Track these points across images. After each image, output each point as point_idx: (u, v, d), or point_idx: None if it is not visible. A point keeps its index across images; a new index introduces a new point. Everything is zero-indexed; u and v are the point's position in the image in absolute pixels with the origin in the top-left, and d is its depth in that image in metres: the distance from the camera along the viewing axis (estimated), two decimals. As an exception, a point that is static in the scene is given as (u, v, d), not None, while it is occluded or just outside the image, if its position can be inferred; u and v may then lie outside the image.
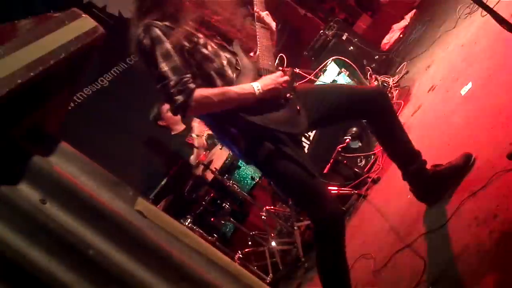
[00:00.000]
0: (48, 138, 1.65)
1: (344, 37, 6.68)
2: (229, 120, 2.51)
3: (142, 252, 1.51)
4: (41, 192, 1.49)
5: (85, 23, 1.66)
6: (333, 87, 2.88)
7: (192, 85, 2.39)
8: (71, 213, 1.49)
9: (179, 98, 2.36)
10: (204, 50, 2.50)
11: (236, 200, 4.86)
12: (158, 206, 4.74)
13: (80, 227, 1.47)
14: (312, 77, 5.52)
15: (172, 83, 2.36)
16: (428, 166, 2.92)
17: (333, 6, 9.59)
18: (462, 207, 2.70)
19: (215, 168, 4.73)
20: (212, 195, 4.83)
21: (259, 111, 2.49)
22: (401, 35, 7.59)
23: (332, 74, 5.35)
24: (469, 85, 3.77)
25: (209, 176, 4.85)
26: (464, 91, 3.79)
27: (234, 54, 2.64)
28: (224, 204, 4.82)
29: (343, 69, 5.37)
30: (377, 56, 6.76)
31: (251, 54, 2.78)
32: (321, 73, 5.54)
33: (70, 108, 5.69)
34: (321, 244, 2.61)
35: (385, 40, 7.86)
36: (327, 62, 5.62)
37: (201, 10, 2.60)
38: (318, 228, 2.60)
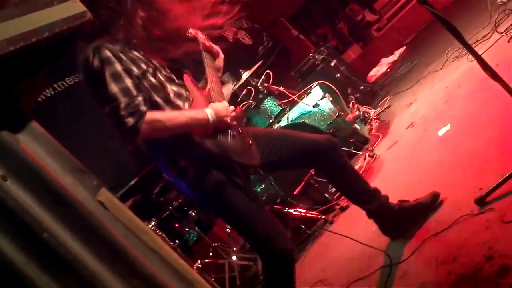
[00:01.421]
0: (20, 115, 1.62)
1: (332, 64, 6.74)
2: (180, 149, 2.40)
3: (97, 243, 1.48)
4: (3, 168, 1.45)
5: (73, 7, 1.63)
6: (284, 136, 2.82)
7: (143, 108, 2.26)
8: (31, 193, 1.45)
9: (130, 120, 2.22)
10: (152, 79, 2.41)
11: (203, 210, 4.82)
12: (124, 204, 4.68)
13: (38, 208, 1.44)
14: (296, 98, 5.54)
15: (122, 105, 2.23)
16: (396, 201, 2.96)
17: (326, 32, 9.70)
18: (424, 245, 2.73)
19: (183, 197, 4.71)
20: (180, 201, 4.80)
21: (213, 139, 2.41)
22: (388, 70, 7.68)
23: (316, 97, 5.38)
24: (448, 127, 3.82)
25: (180, 181, 4.81)
26: (442, 132, 3.84)
27: (183, 87, 2.57)
28: (190, 212, 4.78)
29: (327, 94, 5.40)
30: (362, 87, 6.83)
31: (201, 87, 2.74)
32: (305, 95, 5.56)
33: (50, 94, 5.63)
34: (270, 277, 2.59)
35: (372, 72, 7.95)
36: (312, 85, 5.65)
37: (151, 39, 2.54)
38: (266, 263, 2.58)
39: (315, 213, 4.40)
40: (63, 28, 1.57)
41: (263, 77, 5.66)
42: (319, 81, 5.66)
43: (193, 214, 4.78)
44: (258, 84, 5.50)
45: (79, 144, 5.32)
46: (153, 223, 4.56)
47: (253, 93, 5.48)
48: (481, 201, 2.51)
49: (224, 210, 2.55)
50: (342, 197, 4.43)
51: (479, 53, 2.36)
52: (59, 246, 1.43)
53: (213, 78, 2.70)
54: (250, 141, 2.60)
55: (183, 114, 2.37)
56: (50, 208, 1.47)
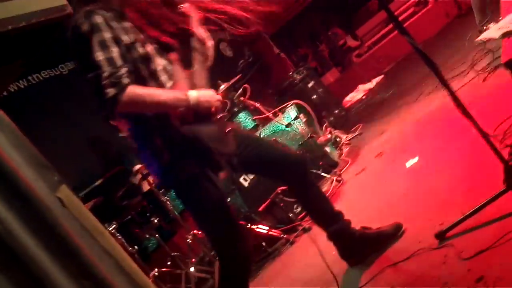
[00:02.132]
0: (-14, 103, 1.58)
1: (310, 85, 6.78)
2: (157, 128, 2.39)
3: (51, 239, 1.44)
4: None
5: (55, -1, 1.61)
6: (261, 141, 2.87)
7: (126, 80, 2.24)
8: (-12, 182, 1.41)
9: (111, 91, 2.19)
10: (141, 49, 2.40)
11: (166, 217, 4.77)
12: (85, 205, 4.61)
13: (-6, 198, 1.40)
14: (270, 115, 5.55)
15: (105, 74, 2.20)
16: (358, 227, 2.97)
17: (307, 53, 9.77)
18: (381, 274, 2.74)
19: (153, 180, 4.65)
20: (143, 206, 4.74)
21: (191, 122, 2.40)
22: (364, 97, 7.75)
23: (290, 117, 5.40)
24: (416, 159, 3.87)
25: (145, 187, 4.77)
26: (409, 164, 3.88)
27: (170, 63, 2.56)
28: (152, 218, 4.71)
29: (301, 115, 5.43)
30: (336, 111, 6.88)
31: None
32: (280, 113, 5.58)
33: (23, 86, 5.54)
34: (224, 279, 2.59)
35: (348, 98, 8.02)
36: (288, 104, 5.67)
37: (146, 13, 2.56)
38: (223, 263, 2.58)
39: (278, 232, 4.39)
40: (41, 19, 1.54)
41: (240, 91, 5.66)
42: (295, 101, 5.68)
43: (155, 221, 4.72)
44: (235, 97, 5.50)
45: (45, 139, 5.26)
46: (113, 226, 4.49)
47: (228, 105, 5.47)
48: (441, 236, 2.54)
49: (191, 202, 2.54)
50: (306, 219, 4.44)
51: (454, 89, 2.40)
52: (12, 240, 1.39)
53: (200, 63, 2.69)
54: (229, 128, 2.60)
55: (165, 93, 2.36)
56: (6, 199, 1.43)
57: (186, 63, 2.72)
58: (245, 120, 5.38)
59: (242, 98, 5.53)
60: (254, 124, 5.41)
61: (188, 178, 2.43)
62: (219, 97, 2.55)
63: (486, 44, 4.64)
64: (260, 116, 5.60)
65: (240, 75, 6.24)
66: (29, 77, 5.68)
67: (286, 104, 5.74)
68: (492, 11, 4.88)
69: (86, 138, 5.78)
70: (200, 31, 2.75)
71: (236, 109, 5.43)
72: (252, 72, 8.63)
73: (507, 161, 2.32)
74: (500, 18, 2.35)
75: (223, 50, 8.39)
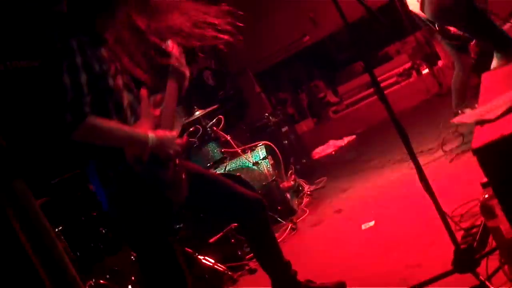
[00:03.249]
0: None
1: (283, 129, 6.84)
2: (111, 160, 2.35)
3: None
4: None
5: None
6: (218, 182, 2.83)
7: (87, 109, 2.20)
8: None
9: (68, 117, 2.16)
10: (110, 81, 2.37)
11: (116, 230, 4.69)
12: (37, 200, 4.51)
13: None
14: (239, 151, 5.57)
15: (67, 99, 2.18)
16: (303, 279, 2.98)
17: (287, 98, 9.87)
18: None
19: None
20: (95, 214, 4.66)
21: (146, 164, 2.35)
22: (333, 152, 7.85)
23: (258, 156, 5.43)
24: (372, 223, 3.92)
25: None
26: (365, 226, 3.94)
27: (138, 100, 2.52)
28: (101, 229, 4.64)
29: (269, 157, 5.46)
30: (304, 160, 6.94)
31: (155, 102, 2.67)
32: (249, 151, 5.60)
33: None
34: None
35: (317, 150, 8.10)
36: (258, 144, 5.69)
37: (124, 44, 2.52)
38: None
39: (223, 267, 4.35)
40: None
41: (214, 120, 5.68)
42: (266, 142, 5.71)
43: (103, 231, 4.64)
44: (208, 126, 5.51)
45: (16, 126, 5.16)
46: (60, 228, 4.40)
47: (199, 132, 5.47)
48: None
49: (131, 236, 2.52)
50: (254, 260, 4.42)
51: (421, 163, 2.46)
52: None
53: (170, 101, 2.64)
54: (183, 176, 2.56)
55: (123, 130, 2.33)
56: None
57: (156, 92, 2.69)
58: (213, 150, 5.39)
59: (214, 128, 5.55)
60: (221, 156, 5.41)
61: (131, 214, 2.40)
62: (180, 141, 2.52)
63: (459, 127, 4.77)
64: (229, 150, 5.61)
65: (218, 105, 6.28)
66: (8, 63, 5.59)
67: (257, 143, 5.77)
68: (470, 96, 5.03)
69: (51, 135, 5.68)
70: (180, 61, 2.73)
71: (206, 138, 5.43)
72: (230, 105, 8.67)
73: (459, 244, 2.37)
74: (476, 105, 2.42)
75: (206, 78, 8.43)
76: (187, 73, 2.78)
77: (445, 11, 4.03)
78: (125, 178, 2.35)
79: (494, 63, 4.14)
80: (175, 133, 2.54)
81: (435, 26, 4.84)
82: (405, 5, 5.02)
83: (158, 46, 2.70)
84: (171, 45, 2.74)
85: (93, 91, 2.27)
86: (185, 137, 2.63)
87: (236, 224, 4.41)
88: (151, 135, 2.36)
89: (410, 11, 4.97)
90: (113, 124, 2.32)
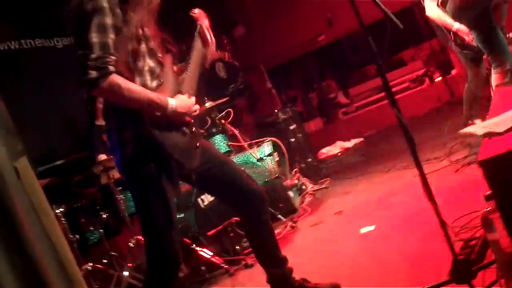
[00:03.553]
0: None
1: (291, 127, 6.82)
2: (129, 122, 2.44)
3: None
4: None
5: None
6: (229, 165, 2.89)
7: (112, 68, 2.29)
8: None
9: (93, 73, 2.24)
10: (135, 44, 2.44)
11: (115, 215, 4.71)
12: (40, 181, 4.53)
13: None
14: (246, 145, 5.57)
15: (93, 56, 2.25)
16: (298, 277, 2.97)
17: (297, 96, 9.87)
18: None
19: (113, 175, 4.60)
20: (96, 198, 4.68)
21: (163, 128, 2.45)
22: (339, 153, 7.82)
23: (264, 152, 5.42)
24: (372, 227, 3.91)
25: (104, 179, 4.71)
26: (364, 230, 3.92)
27: (161, 64, 2.59)
28: (102, 213, 4.65)
29: (275, 153, 5.45)
30: (310, 159, 6.92)
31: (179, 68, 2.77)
32: (255, 146, 5.60)
33: (14, 48, 5.48)
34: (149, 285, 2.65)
35: (323, 150, 8.08)
36: (265, 140, 5.69)
37: (151, 13, 2.57)
38: (151, 269, 2.61)
39: (220, 260, 4.36)
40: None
41: (223, 113, 5.68)
42: (273, 139, 5.71)
43: (104, 216, 4.66)
44: (216, 118, 5.51)
45: (21, 106, 5.20)
46: (61, 209, 4.41)
47: (208, 124, 5.47)
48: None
49: (139, 200, 2.58)
50: (251, 255, 4.42)
51: (426, 171, 2.44)
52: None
53: (194, 67, 2.73)
54: (198, 144, 2.65)
55: (145, 93, 2.39)
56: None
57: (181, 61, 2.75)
58: (220, 142, 5.38)
59: (223, 121, 5.55)
60: (227, 149, 5.40)
61: (143, 179, 2.49)
62: (197, 107, 2.61)
63: (467, 138, 4.74)
64: (235, 143, 5.61)
65: (228, 98, 6.27)
66: (22, 41, 5.62)
67: (263, 139, 5.77)
68: (481, 108, 5.02)
69: (61, 116, 5.73)
70: (207, 31, 2.81)
71: (214, 130, 5.43)
72: (240, 99, 8.67)
73: (457, 255, 2.36)
74: (487, 117, 2.41)
75: (218, 70, 8.43)
76: (213, 42, 2.85)
77: (466, 7, 4.06)
78: (142, 141, 2.43)
79: (493, 77, 4.16)
80: (193, 99, 2.62)
81: (450, 34, 4.83)
82: (423, 11, 5.02)
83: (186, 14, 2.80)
84: (198, 13, 2.82)
85: (118, 51, 2.35)
86: (202, 106, 2.67)
87: (236, 217, 4.43)
88: (171, 100, 2.46)
89: (427, 17, 4.96)
90: (135, 86, 2.39)
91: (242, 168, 4.85)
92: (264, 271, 2.97)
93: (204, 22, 2.84)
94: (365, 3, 2.47)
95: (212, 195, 3.19)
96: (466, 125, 5.00)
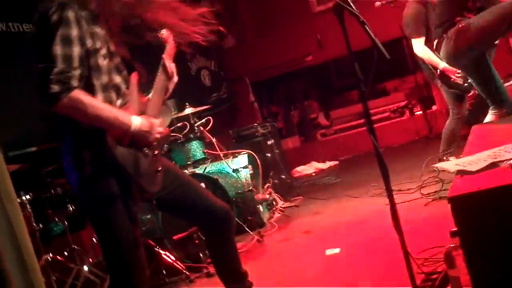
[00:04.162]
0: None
1: (269, 142, 6.84)
2: (89, 140, 2.33)
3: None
4: None
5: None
6: (191, 185, 2.82)
7: (75, 83, 2.20)
8: None
9: (55, 88, 2.14)
10: (101, 60, 2.37)
11: (83, 210, 4.65)
12: (9, 166, 4.47)
13: None
14: (221, 155, 5.57)
15: (56, 70, 2.15)
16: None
17: (278, 112, 9.91)
18: None
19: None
20: (64, 190, 4.63)
21: (125, 148, 2.35)
22: (313, 174, 7.87)
23: (239, 164, 5.43)
24: (337, 250, 3.92)
25: (75, 172, 4.66)
26: (329, 252, 3.94)
27: (126, 82, 2.52)
28: (69, 206, 4.60)
29: (250, 166, 5.46)
30: (283, 176, 6.94)
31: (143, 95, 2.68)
32: (231, 157, 5.60)
33: (1, 30, 5.41)
34: None
35: (298, 169, 8.12)
36: (241, 152, 5.70)
37: (121, 21, 2.52)
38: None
39: (182, 265, 4.33)
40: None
41: (203, 120, 5.67)
42: (250, 151, 5.71)
43: (70, 208, 4.60)
44: (196, 125, 5.50)
45: (2, 88, 5.14)
46: (28, 197, 4.36)
47: (186, 129, 5.46)
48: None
49: (99, 222, 2.45)
50: (214, 264, 4.41)
51: (396, 202, 2.47)
52: None
53: (158, 92, 2.66)
54: (159, 168, 2.56)
55: (108, 109, 2.29)
56: None
57: (145, 86, 2.69)
58: (196, 149, 5.37)
59: (201, 128, 5.54)
60: (203, 156, 5.39)
61: (103, 197, 2.37)
62: (161, 130, 2.52)
63: (440, 173, 4.81)
64: (211, 152, 5.60)
65: (210, 106, 6.27)
66: (10, 24, 5.56)
67: (240, 150, 5.77)
68: (457, 146, 5.11)
69: (40, 104, 5.66)
70: (171, 65, 2.75)
71: (192, 136, 5.41)
72: (221, 108, 8.68)
73: (417, 287, 2.38)
74: (461, 156, 2.45)
75: (203, 77, 8.44)
76: (174, 75, 2.78)
77: (460, 53, 4.10)
78: (102, 160, 2.32)
79: (488, 117, 4.20)
80: (158, 122, 2.52)
81: (436, 71, 4.92)
82: (411, 45, 5.11)
83: (154, 33, 2.71)
84: (166, 34, 2.75)
85: (82, 66, 2.26)
86: (167, 129, 2.63)
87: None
88: (135, 118, 2.36)
89: (414, 54, 5.05)
90: (98, 102, 2.30)
91: (215, 177, 4.89)
92: (223, 284, 2.96)
93: (171, 43, 2.77)
94: (355, 29, 2.50)
95: (175, 216, 3.12)
96: (440, 160, 5.09)
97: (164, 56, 2.74)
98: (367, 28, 2.45)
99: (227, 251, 2.91)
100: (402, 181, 5.39)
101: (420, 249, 3.21)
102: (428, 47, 4.89)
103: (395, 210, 2.43)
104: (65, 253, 4.67)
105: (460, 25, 3.96)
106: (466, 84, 5.00)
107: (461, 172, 2.03)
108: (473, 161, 2.12)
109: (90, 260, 4.66)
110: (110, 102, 2.38)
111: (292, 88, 10.02)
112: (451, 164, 2.24)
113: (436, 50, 4.30)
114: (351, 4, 2.43)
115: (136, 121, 2.35)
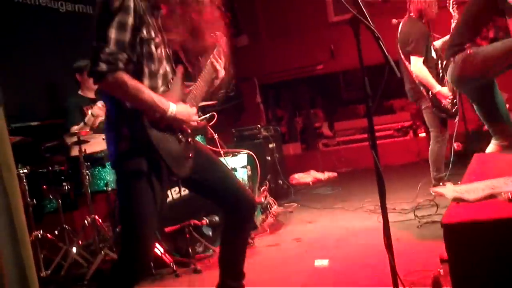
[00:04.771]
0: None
1: (270, 145, 6.84)
2: (129, 118, 2.48)
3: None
4: None
5: None
6: (223, 169, 2.95)
7: (121, 65, 2.36)
8: None
9: (103, 66, 2.32)
10: (153, 48, 2.53)
11: (78, 190, 4.65)
12: (11, 137, 4.47)
13: None
14: (222, 152, 5.56)
15: (107, 50, 2.33)
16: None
17: (283, 117, 9.90)
18: None
19: (85, 149, 4.56)
20: (63, 168, 4.63)
21: (160, 131, 2.51)
22: (311, 182, 7.87)
23: (238, 163, 5.42)
24: (326, 262, 3.92)
25: (74, 151, 4.67)
26: (318, 263, 3.93)
27: (174, 72, 2.70)
28: (64, 184, 4.59)
29: (248, 167, 5.45)
30: (280, 181, 6.94)
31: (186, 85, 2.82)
32: (231, 155, 5.60)
33: (16, 1, 5.42)
34: (111, 277, 2.61)
35: (296, 175, 8.12)
36: (242, 151, 5.69)
37: (176, 20, 2.68)
38: (120, 261, 2.61)
39: (170, 259, 4.33)
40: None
41: (207, 115, 5.66)
42: (250, 152, 5.71)
43: (66, 187, 4.59)
44: (199, 118, 5.49)
45: (7, 60, 5.15)
46: (25, 170, 4.36)
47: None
48: None
49: (124, 194, 2.60)
50: (202, 261, 4.41)
51: (390, 220, 2.47)
52: None
53: (200, 85, 2.82)
54: (191, 155, 2.69)
55: (147, 93, 2.44)
56: None
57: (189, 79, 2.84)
58: (197, 143, 5.36)
59: (205, 122, 5.53)
60: (203, 151, 5.38)
61: (133, 173, 2.51)
62: (196, 118, 2.69)
63: (436, 198, 4.81)
64: (212, 148, 5.59)
65: (216, 102, 6.26)
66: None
67: (240, 150, 5.77)
68: (445, 167, 5.25)
69: (45, 80, 5.68)
70: (219, 63, 2.91)
71: (194, 129, 5.40)
72: (227, 106, 8.68)
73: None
74: (459, 182, 2.45)
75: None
76: (222, 72, 2.95)
77: (464, 80, 4.11)
78: (138, 139, 2.47)
79: (490, 147, 4.20)
80: (194, 109, 2.69)
81: (429, 94, 4.99)
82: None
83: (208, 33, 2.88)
84: (220, 36, 2.93)
85: (133, 52, 2.43)
86: (204, 122, 2.74)
87: (195, 220, 4.42)
88: (173, 105, 2.51)
89: (410, 72, 5.07)
90: (140, 85, 2.44)
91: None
92: (219, 278, 2.96)
93: (222, 47, 2.95)
94: (369, 44, 2.51)
95: (202, 196, 3.20)
96: (436, 185, 5.12)
97: (213, 54, 2.89)
98: (381, 44, 2.46)
99: (240, 241, 2.98)
100: (397, 200, 5.40)
101: (409, 270, 3.20)
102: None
103: (388, 228, 2.43)
104: (56, 232, 4.68)
105: (468, 52, 3.97)
106: (453, 110, 5.10)
107: (458, 199, 2.04)
108: (471, 189, 2.12)
109: (80, 242, 4.66)
110: (155, 88, 2.53)
111: (300, 95, 10.01)
112: (449, 190, 2.24)
113: (444, 71, 4.31)
114: (368, 18, 2.43)
115: (173, 108, 2.50)
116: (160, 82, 2.58)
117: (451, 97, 5.05)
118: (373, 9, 5.36)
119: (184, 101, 2.66)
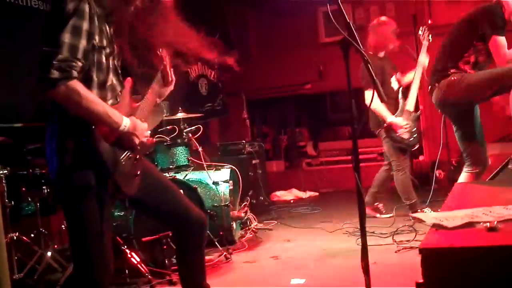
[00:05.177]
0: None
1: (254, 161, 6.85)
2: (77, 130, 2.33)
3: None
4: None
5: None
6: (169, 189, 2.82)
7: (75, 73, 2.23)
8: None
9: (55, 74, 2.17)
10: (103, 58, 2.42)
11: (57, 195, 4.60)
12: (-6, 137, 4.43)
13: None
14: (205, 165, 5.55)
15: (60, 56, 2.19)
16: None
17: (268, 134, 9.92)
18: None
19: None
20: (43, 171, 4.58)
21: (109, 147, 2.39)
22: (292, 201, 7.88)
23: (221, 177, 5.42)
24: (302, 281, 3.92)
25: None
26: (294, 281, 3.93)
27: (121, 85, 2.57)
28: (44, 187, 4.55)
29: (231, 182, 5.45)
30: (262, 198, 6.94)
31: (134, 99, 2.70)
32: (214, 169, 5.59)
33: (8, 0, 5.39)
34: None
35: (278, 193, 8.14)
36: (225, 166, 5.69)
37: (124, 32, 2.59)
38: (76, 281, 2.51)
39: (145, 269, 4.29)
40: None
41: (193, 127, 5.66)
42: (233, 167, 5.71)
43: (45, 191, 4.55)
44: (185, 130, 5.49)
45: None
46: (5, 171, 4.32)
47: (175, 133, 5.44)
48: None
49: (71, 211, 2.45)
50: (177, 273, 4.37)
51: (368, 243, 2.47)
52: None
53: (149, 100, 2.69)
54: (138, 172, 2.58)
55: (102, 105, 2.32)
56: None
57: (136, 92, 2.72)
58: (181, 155, 5.35)
59: (190, 135, 5.53)
60: (186, 163, 5.37)
61: (79, 188, 2.37)
62: (147, 135, 2.57)
63: (415, 223, 4.84)
64: (195, 160, 5.59)
65: (202, 115, 6.27)
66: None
67: (224, 164, 5.77)
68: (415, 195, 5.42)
69: (32, 81, 5.62)
70: (167, 72, 2.76)
71: (179, 141, 5.40)
72: (213, 119, 8.69)
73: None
74: (439, 210, 2.46)
75: (200, 86, 8.44)
76: (168, 90, 2.81)
77: (447, 104, 4.21)
78: (85, 152, 2.33)
79: (462, 176, 4.27)
80: (146, 126, 2.58)
81: (383, 124, 5.11)
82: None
83: (152, 49, 2.75)
84: (164, 54, 2.77)
85: (85, 59, 2.30)
86: (153, 139, 2.65)
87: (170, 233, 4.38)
88: (127, 119, 2.41)
89: (365, 106, 5.13)
90: (94, 96, 2.32)
91: (195, 186, 4.87)
92: None
93: (166, 61, 2.78)
94: (358, 67, 2.54)
95: (149, 217, 3.14)
96: (413, 210, 5.21)
97: (162, 66, 2.75)
98: (370, 68, 2.48)
99: (195, 259, 2.90)
100: (377, 224, 5.42)
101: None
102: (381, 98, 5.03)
103: (366, 251, 2.43)
104: (32, 235, 4.62)
105: (452, 78, 4.06)
106: (411, 139, 5.19)
107: (436, 226, 2.05)
108: (451, 217, 2.14)
109: (55, 246, 4.61)
110: (103, 99, 2.40)
111: (286, 113, 10.06)
112: (429, 216, 2.25)
113: (430, 94, 4.37)
114: (359, 41, 2.46)
115: (126, 122, 2.40)
116: (109, 94, 2.47)
117: (407, 126, 5.16)
118: (364, 33, 5.41)
119: (132, 115, 2.51)
